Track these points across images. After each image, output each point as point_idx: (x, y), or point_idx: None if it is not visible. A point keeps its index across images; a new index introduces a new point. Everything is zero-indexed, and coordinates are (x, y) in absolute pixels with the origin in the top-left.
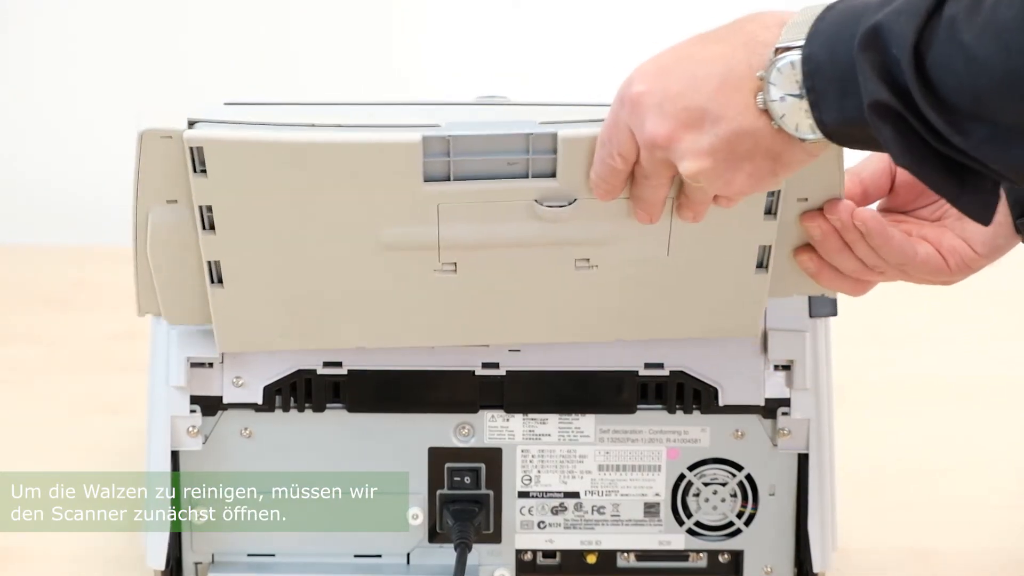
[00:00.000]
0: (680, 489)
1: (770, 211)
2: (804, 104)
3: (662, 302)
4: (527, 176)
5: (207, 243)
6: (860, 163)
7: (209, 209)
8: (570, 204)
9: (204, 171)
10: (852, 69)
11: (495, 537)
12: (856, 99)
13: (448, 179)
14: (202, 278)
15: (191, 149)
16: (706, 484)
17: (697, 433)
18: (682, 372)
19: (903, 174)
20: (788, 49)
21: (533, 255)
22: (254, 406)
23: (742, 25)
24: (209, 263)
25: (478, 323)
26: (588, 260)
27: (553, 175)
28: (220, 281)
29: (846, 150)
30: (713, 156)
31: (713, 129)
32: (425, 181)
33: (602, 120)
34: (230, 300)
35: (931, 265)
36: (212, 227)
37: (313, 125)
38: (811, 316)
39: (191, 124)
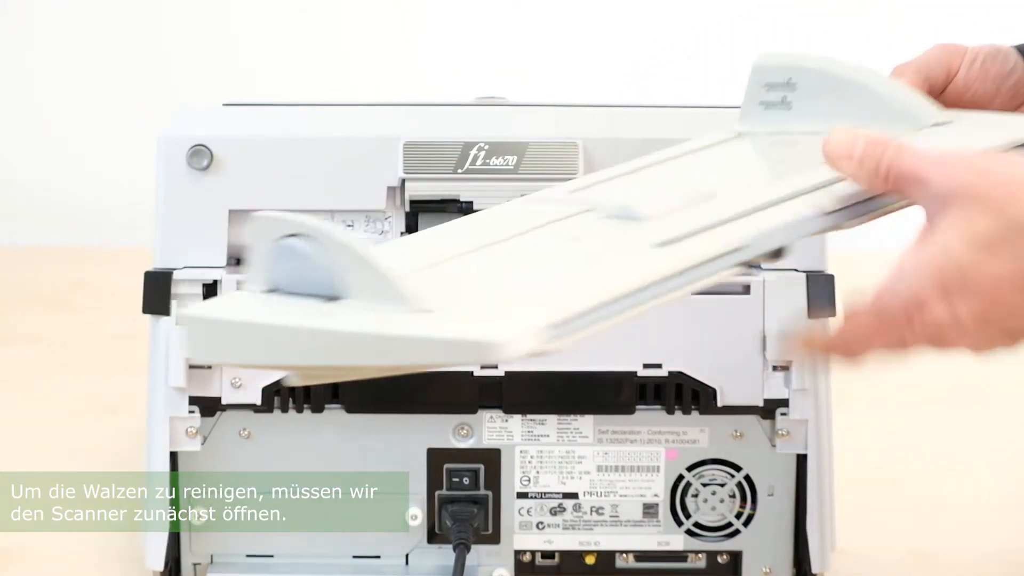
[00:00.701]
0: (679, 490)
1: None
2: None
3: None
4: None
5: None
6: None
7: None
8: None
9: None
10: None
11: (494, 538)
12: None
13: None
14: None
15: None
16: (705, 485)
17: (696, 434)
18: (681, 373)
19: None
20: None
21: None
22: (253, 407)
23: (1020, 226)
24: None
25: None
26: None
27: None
28: None
29: None
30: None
31: None
32: None
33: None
34: None
35: None
36: None
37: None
38: (810, 317)
39: None
